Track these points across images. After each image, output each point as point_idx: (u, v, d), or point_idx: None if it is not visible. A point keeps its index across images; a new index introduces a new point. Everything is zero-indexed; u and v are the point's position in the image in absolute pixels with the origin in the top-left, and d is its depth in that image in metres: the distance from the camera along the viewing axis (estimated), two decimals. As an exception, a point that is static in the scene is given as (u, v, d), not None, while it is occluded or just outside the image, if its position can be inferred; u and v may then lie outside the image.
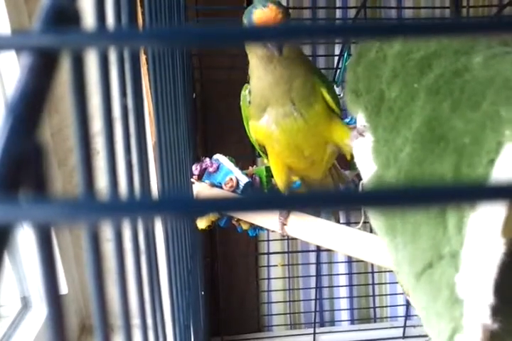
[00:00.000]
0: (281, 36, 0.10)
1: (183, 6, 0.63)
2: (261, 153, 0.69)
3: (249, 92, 0.62)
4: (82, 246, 0.84)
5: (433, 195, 0.08)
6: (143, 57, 0.55)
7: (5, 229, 0.08)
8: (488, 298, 0.27)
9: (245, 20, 0.56)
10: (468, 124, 0.29)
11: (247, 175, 0.74)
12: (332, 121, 0.62)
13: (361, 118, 0.42)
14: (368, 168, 0.42)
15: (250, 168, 0.77)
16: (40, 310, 0.75)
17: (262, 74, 0.59)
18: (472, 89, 0.30)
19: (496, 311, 0.27)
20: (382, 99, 0.38)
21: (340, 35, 0.10)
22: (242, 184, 0.72)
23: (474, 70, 0.30)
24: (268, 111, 0.60)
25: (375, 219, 0.38)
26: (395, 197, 0.08)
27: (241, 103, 0.64)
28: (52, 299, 0.10)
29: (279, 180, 0.68)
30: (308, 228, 0.65)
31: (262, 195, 0.09)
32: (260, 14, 0.54)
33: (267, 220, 0.68)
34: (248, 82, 0.63)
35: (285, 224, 0.66)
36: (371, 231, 0.76)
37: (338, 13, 1.07)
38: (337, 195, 0.09)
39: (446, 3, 1.01)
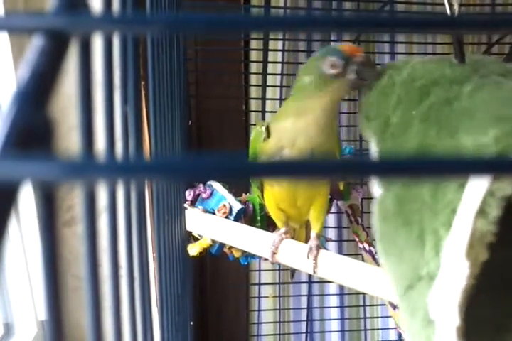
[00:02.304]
0: (283, 27, 0.10)
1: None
2: (256, 190, 0.70)
3: (266, 129, 0.63)
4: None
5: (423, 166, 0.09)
6: (141, 83, 0.56)
7: (12, 186, 0.08)
8: (455, 320, 0.27)
9: (322, 61, 0.57)
10: (444, 150, 0.30)
11: (240, 201, 0.73)
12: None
13: (373, 144, 0.43)
14: (376, 192, 0.43)
15: (244, 194, 0.77)
16: (22, 337, 0.73)
17: (308, 113, 0.58)
18: (455, 118, 0.31)
19: (464, 333, 0.27)
20: (387, 124, 0.39)
21: (342, 26, 0.10)
22: (235, 210, 0.72)
23: (462, 100, 0.32)
24: (285, 152, 0.61)
25: (376, 236, 0.38)
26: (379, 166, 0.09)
27: (252, 138, 0.65)
28: (50, 270, 0.10)
29: (275, 216, 0.70)
30: (298, 256, 0.64)
31: (250, 162, 0.09)
32: (350, 47, 0.57)
33: (259, 247, 0.67)
34: (263, 118, 0.64)
35: (275, 253, 0.66)
36: (363, 260, 0.76)
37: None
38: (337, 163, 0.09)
39: (438, 40, 1.04)
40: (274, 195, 0.67)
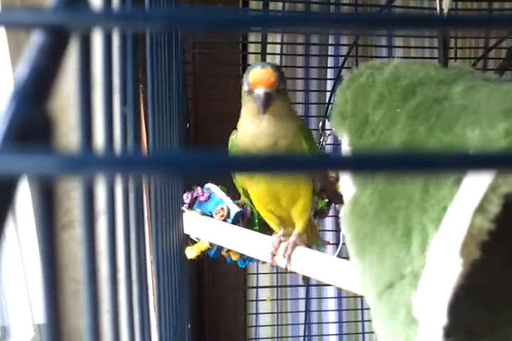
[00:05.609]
0: (283, 24, 0.10)
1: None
2: (245, 199, 0.71)
3: (235, 136, 0.65)
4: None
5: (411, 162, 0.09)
6: (140, 86, 0.56)
7: (11, 181, 0.08)
8: (442, 319, 0.27)
9: (245, 77, 0.59)
10: (439, 145, 0.30)
11: (238, 204, 0.73)
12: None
13: (345, 142, 0.43)
14: (348, 191, 0.42)
15: (242, 197, 0.77)
16: (19, 340, 0.72)
17: (248, 124, 0.62)
18: (448, 115, 0.31)
19: (449, 333, 0.27)
20: (366, 122, 0.38)
21: (332, 25, 0.10)
22: (233, 213, 0.72)
23: (453, 99, 0.32)
24: None
25: (347, 238, 0.38)
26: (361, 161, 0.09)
27: (229, 147, 0.66)
28: (48, 274, 0.10)
29: (267, 218, 0.70)
30: (298, 259, 0.64)
31: (252, 157, 0.09)
32: (256, 73, 0.58)
33: (257, 250, 0.67)
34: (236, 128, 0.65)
35: (275, 255, 0.66)
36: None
37: (331, 51, 1.11)
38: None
39: (435, 44, 1.04)
40: (258, 197, 0.67)
